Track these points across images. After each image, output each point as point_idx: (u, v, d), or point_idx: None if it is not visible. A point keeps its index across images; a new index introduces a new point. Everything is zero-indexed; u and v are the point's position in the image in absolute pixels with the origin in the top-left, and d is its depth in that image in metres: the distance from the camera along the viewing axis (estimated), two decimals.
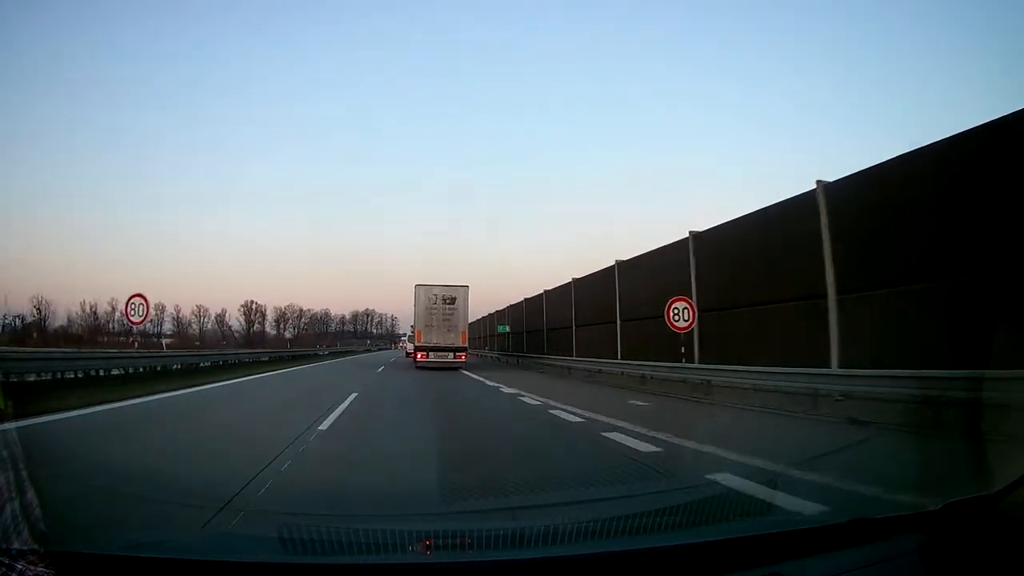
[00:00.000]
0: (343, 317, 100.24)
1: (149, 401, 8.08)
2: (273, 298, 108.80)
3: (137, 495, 3.09)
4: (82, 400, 7.25)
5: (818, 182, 8.17)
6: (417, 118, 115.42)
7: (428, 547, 1.88)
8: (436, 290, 19.60)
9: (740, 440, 5.25)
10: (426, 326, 19.36)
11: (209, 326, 79.38)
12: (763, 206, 9.65)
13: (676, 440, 5.25)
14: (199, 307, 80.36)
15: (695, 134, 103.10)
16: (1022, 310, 5.26)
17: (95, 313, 68.99)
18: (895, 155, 7.11)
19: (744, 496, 3.06)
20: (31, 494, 1.22)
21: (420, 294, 19.63)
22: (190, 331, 74.50)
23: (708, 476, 3.64)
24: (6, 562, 1.08)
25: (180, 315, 77.36)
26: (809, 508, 2.63)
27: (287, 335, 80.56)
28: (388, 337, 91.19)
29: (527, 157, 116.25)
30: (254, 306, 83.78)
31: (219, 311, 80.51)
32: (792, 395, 7.71)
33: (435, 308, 19.40)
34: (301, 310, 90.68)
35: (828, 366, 7.62)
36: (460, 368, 18.82)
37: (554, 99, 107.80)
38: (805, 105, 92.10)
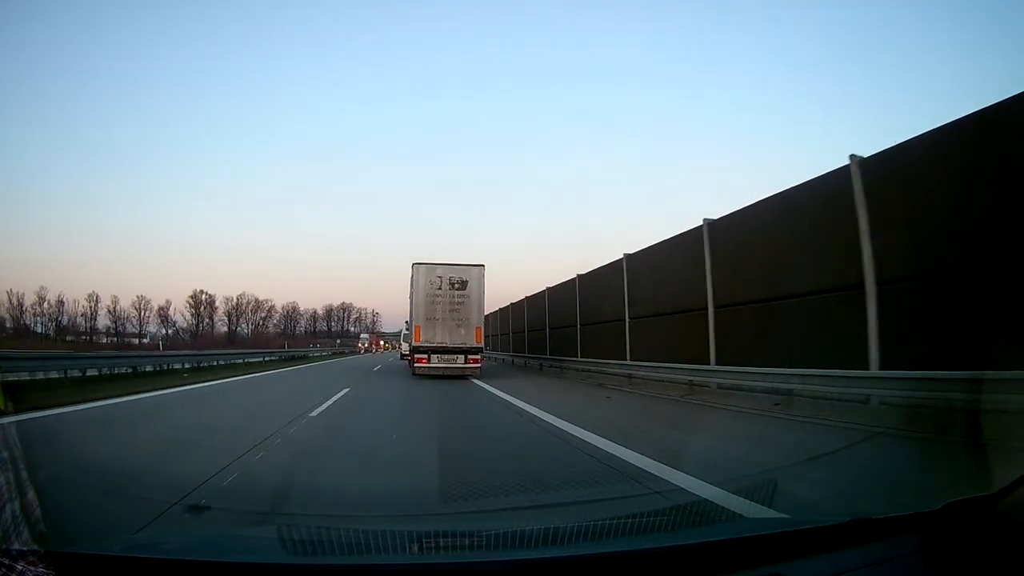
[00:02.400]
0: (315, 312, 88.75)
1: None
2: (233, 290, 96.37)
3: (136, 494, 3.09)
4: None
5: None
6: (404, 108, 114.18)
7: (427, 547, 1.87)
8: (441, 271, 14.66)
9: None
10: (427, 319, 14.44)
11: (151, 319, 70.46)
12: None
13: None
14: (139, 297, 72.34)
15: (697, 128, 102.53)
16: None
17: (21, 304, 63.16)
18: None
19: (744, 497, 3.06)
20: (31, 494, 1.22)
21: (419, 276, 14.68)
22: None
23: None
24: (6, 563, 1.07)
25: (118, 308, 69.70)
26: (807, 508, 2.63)
27: (241, 332, 69.77)
28: (359, 336, 72.87)
29: (520, 150, 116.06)
30: (204, 296, 73.88)
31: (163, 303, 72.22)
32: None
33: (439, 295, 14.53)
34: (257, 300, 78.26)
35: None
36: (470, 376, 14.30)
37: (534, 90, 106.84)
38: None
